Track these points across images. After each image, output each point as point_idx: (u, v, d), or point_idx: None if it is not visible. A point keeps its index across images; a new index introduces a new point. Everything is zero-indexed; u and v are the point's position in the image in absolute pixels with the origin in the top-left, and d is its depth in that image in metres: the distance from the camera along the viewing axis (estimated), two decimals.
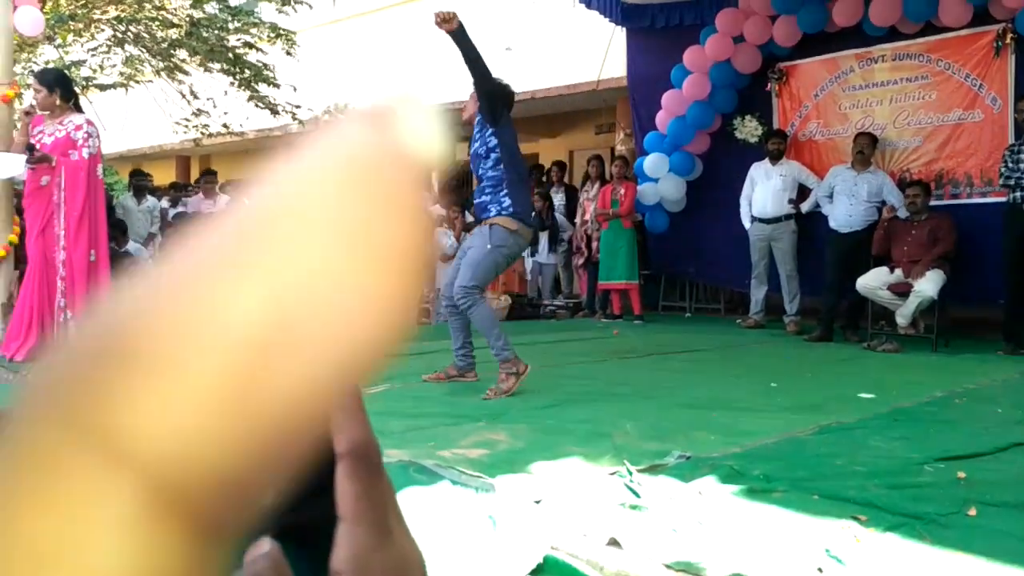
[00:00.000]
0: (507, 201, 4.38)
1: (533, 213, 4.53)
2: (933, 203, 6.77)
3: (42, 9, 6.59)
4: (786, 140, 7.84)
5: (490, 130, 4.42)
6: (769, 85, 8.20)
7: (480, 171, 4.47)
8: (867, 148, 7.07)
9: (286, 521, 0.34)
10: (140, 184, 8.60)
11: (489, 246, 4.35)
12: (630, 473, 2.73)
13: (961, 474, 2.79)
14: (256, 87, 10.62)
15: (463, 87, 11.29)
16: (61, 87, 5.46)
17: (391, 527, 0.35)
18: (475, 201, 4.50)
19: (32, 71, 9.92)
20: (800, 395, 4.37)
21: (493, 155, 4.40)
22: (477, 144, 4.48)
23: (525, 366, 4.39)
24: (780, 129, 8.05)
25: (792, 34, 7.74)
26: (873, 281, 6.51)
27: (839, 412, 3.87)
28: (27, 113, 5.53)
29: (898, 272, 6.46)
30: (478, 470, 2.75)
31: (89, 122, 5.47)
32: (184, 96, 10.83)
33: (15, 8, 5.68)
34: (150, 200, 8.63)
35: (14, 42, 6.00)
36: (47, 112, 5.43)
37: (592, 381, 4.73)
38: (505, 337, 4.41)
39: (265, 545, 0.33)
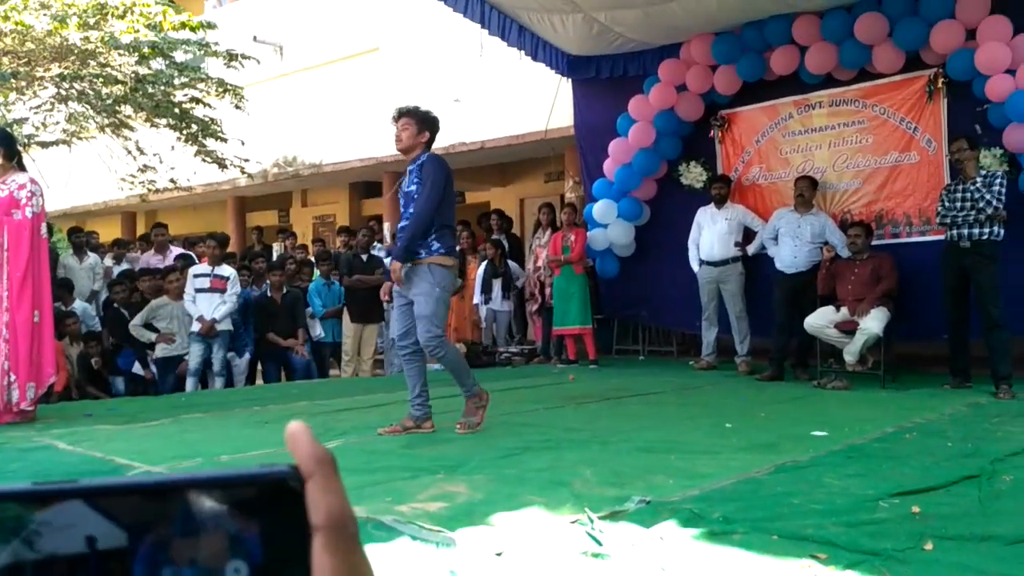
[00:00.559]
0: (436, 245, 4.57)
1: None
2: (874, 243, 6.95)
3: None
4: (730, 185, 8.01)
5: (419, 188, 4.54)
6: (712, 132, 8.40)
7: (404, 212, 4.58)
8: (807, 191, 7.26)
9: None
10: (78, 241, 8.44)
11: (437, 289, 4.50)
12: (591, 521, 2.71)
13: (915, 508, 2.83)
14: (203, 142, 10.55)
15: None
16: (4, 146, 5.36)
17: None
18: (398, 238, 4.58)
19: None
20: (755, 435, 4.40)
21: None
22: (406, 187, 4.58)
23: (487, 394, 4.63)
24: (724, 174, 8.22)
25: (732, 83, 7.96)
26: (820, 320, 6.63)
27: (793, 451, 3.91)
28: None
29: (844, 311, 6.59)
30: (438, 524, 2.71)
31: (32, 180, 5.37)
32: (130, 152, 10.71)
33: None
34: (92, 257, 8.47)
35: None
36: None
37: (549, 428, 4.71)
38: (471, 373, 4.62)
39: None
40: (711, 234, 7.76)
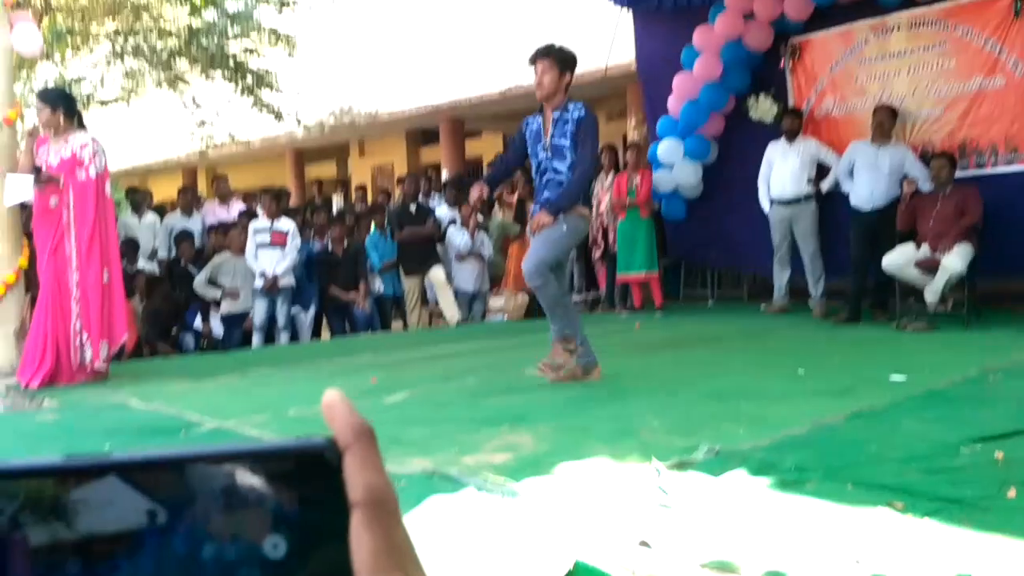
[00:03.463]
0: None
1: None
2: (958, 175, 6.57)
3: (39, 26, 6.51)
4: (802, 118, 7.66)
5: (572, 142, 4.41)
6: (783, 62, 8.02)
7: (558, 170, 4.47)
8: (887, 121, 6.89)
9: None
10: (137, 200, 8.51)
11: (565, 228, 4.41)
12: (659, 471, 2.69)
13: (999, 454, 2.72)
14: (259, 93, 10.54)
15: (462, 83, 11.17)
16: (64, 105, 5.38)
17: None
18: (545, 196, 4.50)
19: (34, 90, 9.90)
20: (829, 380, 4.31)
21: (571, 156, 4.43)
22: (566, 144, 4.43)
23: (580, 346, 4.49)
24: (796, 107, 7.87)
25: (804, 7, 7.56)
26: (900, 258, 6.33)
27: (870, 396, 3.82)
28: (31, 134, 5.43)
29: (925, 248, 6.29)
30: (503, 475, 2.73)
31: (94, 140, 5.39)
32: (187, 106, 10.77)
33: (12, 25, 5.59)
34: (150, 216, 8.55)
35: (12, 61, 5.91)
36: (51, 131, 5.35)
37: (615, 377, 4.66)
38: (574, 316, 4.55)
39: None
40: (783, 170, 7.44)
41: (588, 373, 4.57)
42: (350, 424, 0.35)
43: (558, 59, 4.42)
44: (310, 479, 0.34)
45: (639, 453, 2.94)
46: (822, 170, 7.45)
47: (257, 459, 0.35)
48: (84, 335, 5.26)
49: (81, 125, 5.48)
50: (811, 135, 7.68)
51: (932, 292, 6.17)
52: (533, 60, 4.45)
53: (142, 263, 7.82)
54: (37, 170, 5.20)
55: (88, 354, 5.28)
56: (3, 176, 5.37)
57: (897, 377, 4.25)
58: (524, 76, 10.45)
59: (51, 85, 9.14)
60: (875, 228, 6.74)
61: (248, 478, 0.34)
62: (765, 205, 7.61)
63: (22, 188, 5.22)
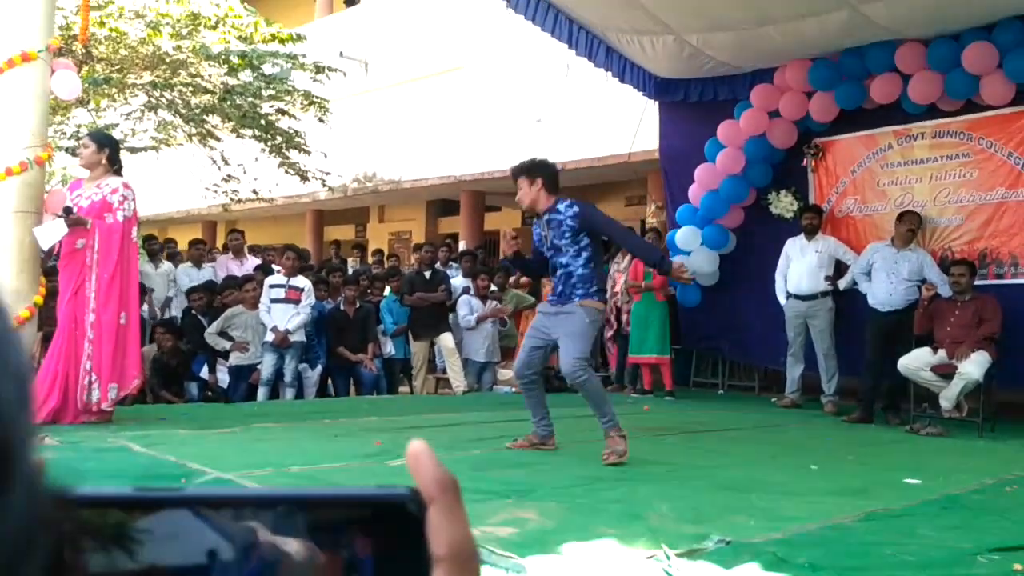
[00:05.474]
0: (594, 288, 4.68)
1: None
2: (976, 283, 6.56)
3: (79, 73, 6.67)
4: (822, 215, 7.71)
5: (584, 236, 4.65)
6: (805, 160, 8.12)
7: (566, 264, 4.69)
8: (916, 227, 6.95)
9: None
10: (153, 248, 8.58)
11: (588, 320, 4.60)
12: (668, 557, 2.64)
13: (1017, 566, 2.68)
14: (287, 153, 10.72)
15: (485, 158, 11.33)
16: (110, 148, 5.50)
17: None
18: (559, 290, 4.71)
19: (65, 134, 10.10)
20: (842, 479, 4.25)
21: (585, 254, 4.66)
22: (564, 242, 4.66)
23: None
24: (816, 204, 7.93)
25: (829, 110, 7.69)
26: (915, 362, 6.29)
27: (884, 498, 3.77)
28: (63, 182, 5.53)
29: (941, 353, 6.25)
30: (508, 550, 2.68)
31: (126, 185, 5.46)
32: (215, 161, 10.95)
33: (53, 72, 5.73)
34: (166, 264, 8.59)
35: (49, 104, 6.04)
36: (88, 171, 5.44)
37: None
38: (611, 403, 4.65)
39: None
40: (800, 266, 7.46)
41: (545, 443, 4.80)
42: (436, 476, 0.34)
43: (527, 172, 4.75)
44: (388, 529, 0.33)
45: (647, 538, 2.89)
46: (840, 267, 7.47)
47: (335, 504, 0.34)
48: (93, 376, 5.23)
49: (118, 173, 5.57)
50: (830, 233, 7.72)
51: (947, 398, 6.11)
52: (513, 177, 4.81)
53: (145, 309, 7.81)
54: (67, 210, 5.26)
55: (96, 395, 5.24)
56: (28, 215, 5.42)
57: (912, 480, 4.18)
58: (548, 153, 10.63)
59: (84, 131, 9.32)
60: (891, 330, 6.71)
61: (324, 523, 0.33)
62: (781, 299, 7.61)
63: (55, 231, 5.28)
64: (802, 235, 7.58)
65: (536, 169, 4.76)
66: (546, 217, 4.70)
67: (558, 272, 4.72)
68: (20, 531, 0.26)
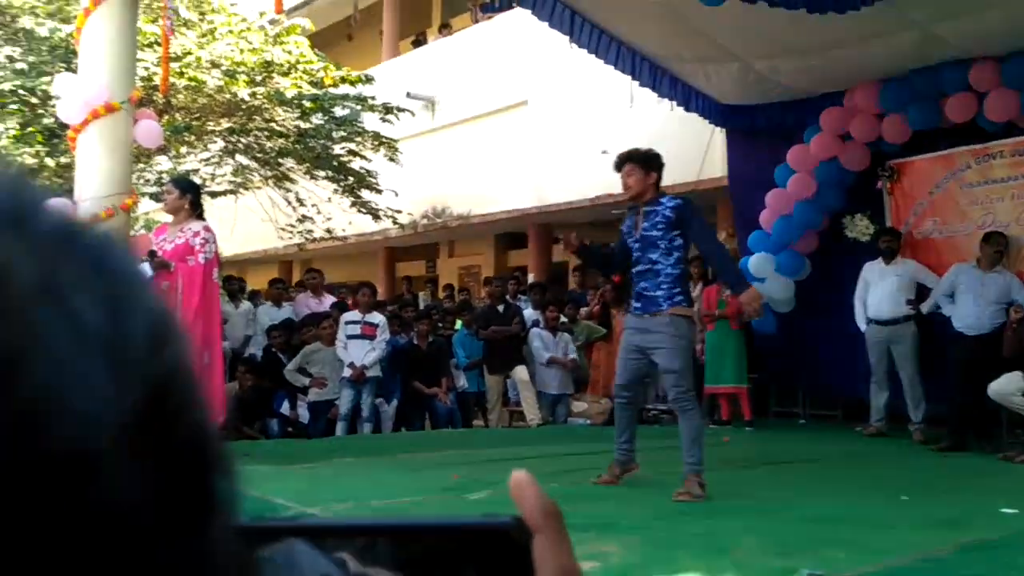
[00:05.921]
0: (680, 293, 4.49)
1: None
2: None
3: (160, 122, 6.96)
4: (900, 238, 7.52)
5: (678, 235, 4.50)
6: (880, 183, 7.95)
7: (655, 261, 4.50)
8: (1004, 248, 6.74)
9: None
10: (232, 289, 8.82)
11: (684, 341, 4.47)
12: None
13: None
14: (359, 193, 10.95)
15: (551, 190, 11.35)
16: (192, 193, 5.72)
17: None
18: (643, 293, 4.53)
19: (148, 181, 10.50)
20: (935, 509, 4.13)
21: (676, 254, 4.51)
22: (656, 234, 4.49)
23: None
24: (893, 227, 7.74)
25: (902, 131, 7.53)
26: (1007, 386, 6.06)
27: (980, 528, 3.66)
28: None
29: None
30: None
31: (207, 228, 5.65)
32: (290, 203, 11.24)
33: (136, 121, 6.00)
34: (246, 304, 8.82)
35: (132, 152, 6.31)
36: (172, 215, 5.65)
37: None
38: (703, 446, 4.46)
39: None
40: (879, 291, 7.27)
41: (628, 470, 4.66)
42: (540, 505, 0.35)
43: (640, 161, 4.62)
44: (493, 559, 0.34)
45: (733, 573, 2.85)
46: (922, 291, 7.26)
47: (442, 533, 0.34)
48: None
49: (200, 217, 5.77)
50: (910, 256, 7.52)
51: None
52: (618, 166, 4.70)
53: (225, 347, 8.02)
54: (151, 254, 5.46)
55: None
56: None
57: (1009, 510, 4.02)
58: (613, 185, 10.62)
59: (167, 177, 9.69)
60: (980, 354, 6.47)
61: (431, 551, 0.34)
62: (861, 325, 7.42)
63: None
64: (880, 259, 7.40)
65: (655, 162, 4.66)
66: (644, 208, 4.56)
67: (641, 269, 4.53)
68: None
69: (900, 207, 7.91)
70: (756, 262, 8.18)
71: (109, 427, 0.20)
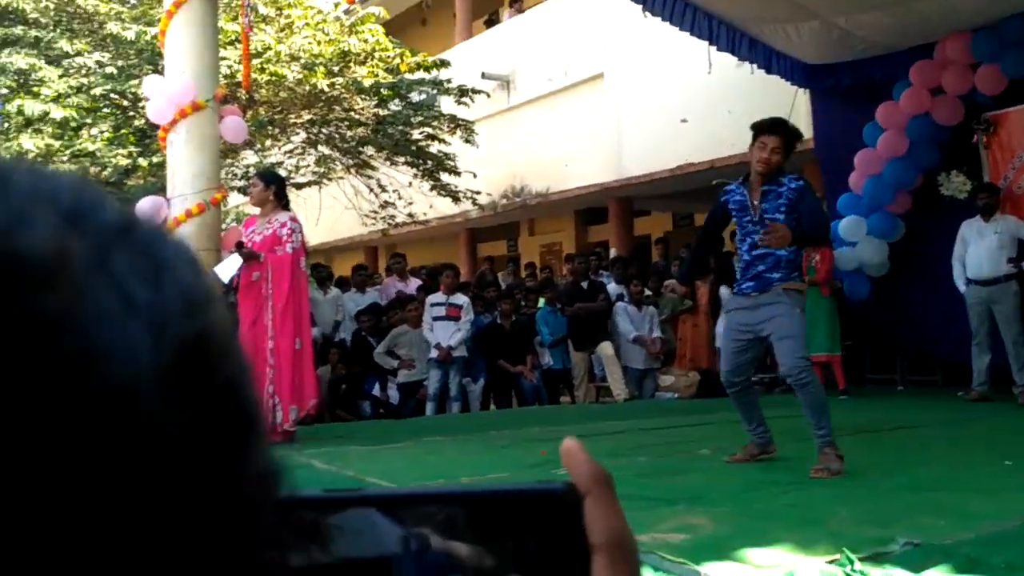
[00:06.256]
0: (796, 272, 4.39)
1: None
2: None
3: (244, 117, 7.17)
4: (999, 194, 7.19)
5: (795, 217, 4.24)
6: (975, 137, 7.60)
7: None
8: None
9: None
10: (321, 276, 9.03)
11: (798, 309, 4.27)
12: (851, 561, 2.52)
13: None
14: (438, 176, 11.07)
15: (631, 163, 11.18)
16: (276, 185, 5.88)
17: None
18: (759, 272, 4.31)
19: (236, 175, 10.83)
20: None
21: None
22: (768, 213, 4.26)
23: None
24: (991, 183, 7.40)
25: (997, 81, 7.20)
26: None
27: None
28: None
29: None
30: (681, 556, 2.61)
31: (294, 219, 5.81)
32: (372, 190, 11.44)
33: (222, 118, 6.19)
34: (334, 291, 9.04)
35: (220, 148, 6.52)
36: (259, 207, 5.83)
37: (797, 462, 4.44)
38: (830, 415, 4.25)
39: None
40: (979, 249, 6.97)
41: (766, 451, 4.49)
42: (590, 470, 0.36)
43: (788, 140, 4.30)
44: (548, 522, 0.35)
45: (827, 543, 2.77)
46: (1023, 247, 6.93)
47: (501, 499, 0.36)
48: (276, 399, 5.57)
49: (286, 207, 5.93)
50: (1010, 212, 7.19)
51: None
52: (766, 131, 4.29)
53: (314, 331, 8.24)
54: (239, 245, 5.65)
55: (279, 416, 5.58)
56: (209, 253, 5.87)
57: None
58: (692, 154, 10.45)
59: (253, 171, 9.98)
60: None
61: (490, 517, 0.35)
62: (960, 286, 7.13)
63: (232, 265, 5.70)
64: (978, 216, 7.09)
65: (793, 144, 4.36)
66: (764, 187, 4.28)
67: (760, 253, 4.27)
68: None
69: (998, 161, 7.56)
70: (847, 225, 7.95)
71: (147, 369, 0.25)
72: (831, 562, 2.54)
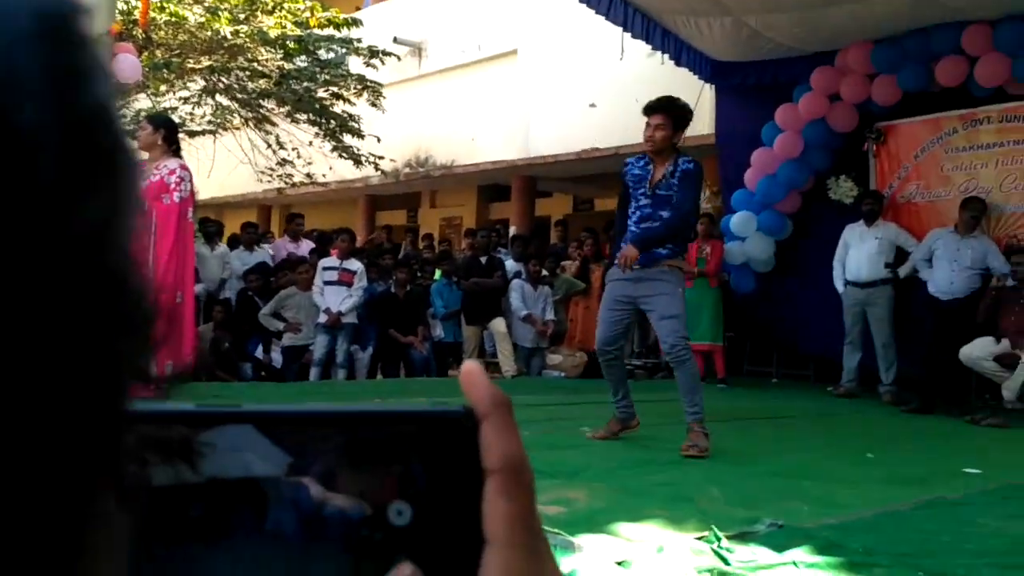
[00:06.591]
0: (680, 249, 4.49)
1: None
2: None
3: (139, 57, 6.81)
4: (882, 201, 7.53)
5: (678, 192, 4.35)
6: (866, 145, 7.93)
7: (653, 212, 4.36)
8: (981, 214, 6.75)
9: (426, 544, 0.33)
10: (209, 231, 8.73)
11: (680, 290, 4.36)
12: (718, 539, 2.61)
13: None
14: (341, 138, 10.81)
15: (537, 142, 11.18)
16: (166, 129, 5.56)
17: (543, 552, 0.34)
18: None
19: (133, 117, 10.30)
20: (899, 468, 4.17)
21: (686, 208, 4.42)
22: (661, 190, 4.35)
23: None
24: (877, 190, 7.74)
25: (892, 93, 7.49)
26: (978, 351, 6.13)
27: (942, 487, 3.70)
28: None
29: (1005, 343, 6.08)
30: (557, 528, 2.64)
31: (183, 166, 5.53)
32: (270, 146, 11.09)
33: (115, 55, 5.85)
34: (221, 247, 8.74)
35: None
36: (147, 152, 5.52)
37: (673, 443, 4.52)
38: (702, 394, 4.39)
39: (406, 569, 0.32)
40: (859, 253, 7.30)
41: (628, 426, 4.60)
42: (489, 394, 0.35)
43: (674, 117, 4.34)
44: (441, 446, 0.33)
45: (697, 520, 2.86)
46: (901, 255, 7.29)
47: (389, 421, 0.34)
48: None
49: (176, 154, 5.64)
50: (891, 219, 7.54)
51: (1010, 389, 5.95)
52: (650, 111, 4.36)
53: (198, 288, 7.94)
54: None
55: (152, 371, 5.35)
56: None
57: (972, 470, 4.08)
58: (600, 138, 10.55)
59: (144, 115, 9.52)
60: (952, 319, 6.54)
61: (378, 440, 0.33)
62: (839, 286, 7.45)
63: None
64: (861, 221, 7.41)
65: (685, 121, 4.41)
66: (666, 168, 4.33)
67: (646, 224, 4.34)
68: None
69: (885, 170, 7.91)
70: (738, 220, 8.17)
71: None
72: (700, 538, 2.62)
